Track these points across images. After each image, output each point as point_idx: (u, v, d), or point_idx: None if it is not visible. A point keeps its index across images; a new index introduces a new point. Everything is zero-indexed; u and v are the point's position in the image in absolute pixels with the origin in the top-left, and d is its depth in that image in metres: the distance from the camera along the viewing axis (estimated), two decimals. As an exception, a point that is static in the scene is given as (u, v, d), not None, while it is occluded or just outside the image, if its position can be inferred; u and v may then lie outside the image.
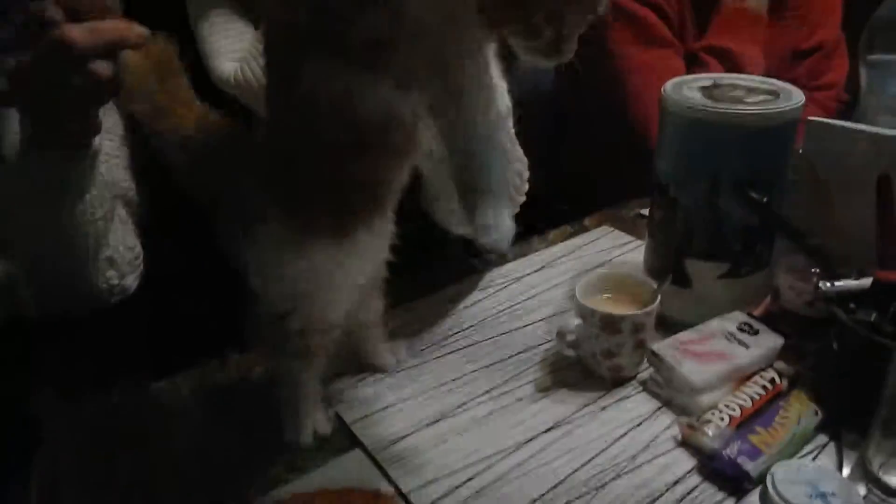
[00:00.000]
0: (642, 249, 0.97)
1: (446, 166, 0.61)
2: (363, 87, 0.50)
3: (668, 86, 0.76)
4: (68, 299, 0.75)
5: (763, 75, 1.15)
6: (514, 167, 0.79)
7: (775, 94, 0.73)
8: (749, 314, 0.75)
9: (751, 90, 0.74)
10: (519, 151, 0.79)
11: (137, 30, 0.52)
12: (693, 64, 1.14)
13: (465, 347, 0.81)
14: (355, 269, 0.61)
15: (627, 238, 1.04)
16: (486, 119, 0.55)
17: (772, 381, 0.69)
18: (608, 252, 1.01)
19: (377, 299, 0.72)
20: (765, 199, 0.69)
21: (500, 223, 0.56)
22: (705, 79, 0.78)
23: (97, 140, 0.62)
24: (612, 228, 1.08)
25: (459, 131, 0.56)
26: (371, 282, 0.66)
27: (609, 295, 0.77)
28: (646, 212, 1.12)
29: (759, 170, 0.71)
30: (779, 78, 1.25)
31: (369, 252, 0.62)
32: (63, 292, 0.74)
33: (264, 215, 0.58)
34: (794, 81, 1.27)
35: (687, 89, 0.75)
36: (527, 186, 0.82)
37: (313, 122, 0.52)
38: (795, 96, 0.72)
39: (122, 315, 0.96)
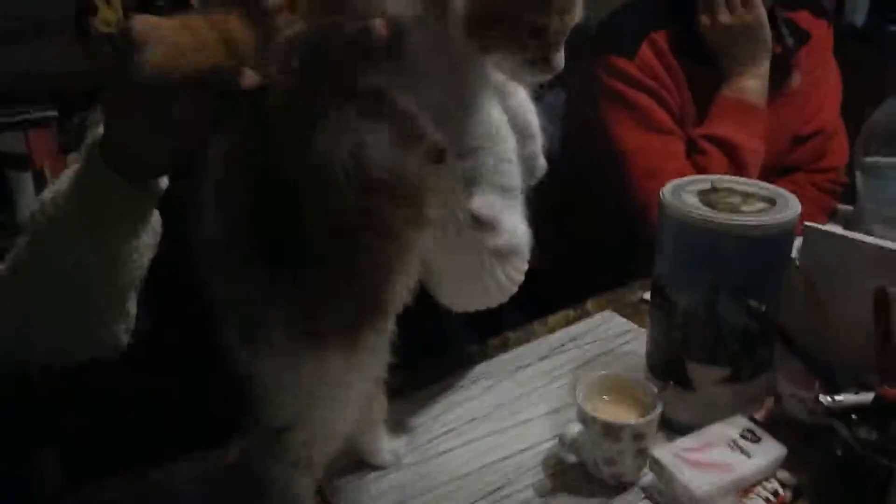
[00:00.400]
0: (644, 339, 0.98)
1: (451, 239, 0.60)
2: (376, 139, 0.50)
3: (667, 189, 0.78)
4: (71, 350, 0.73)
5: (763, 160, 1.18)
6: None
7: (772, 201, 0.74)
8: (751, 418, 0.75)
9: (748, 196, 0.75)
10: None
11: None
12: (693, 150, 1.16)
13: (464, 445, 0.80)
14: (366, 374, 0.60)
15: (630, 326, 1.04)
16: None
17: (775, 492, 0.68)
18: (610, 341, 1.01)
19: (381, 395, 0.72)
20: (763, 308, 0.70)
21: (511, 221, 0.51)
22: (703, 181, 0.80)
23: (164, 181, 0.62)
24: (615, 314, 1.08)
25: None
26: (377, 380, 0.66)
27: (610, 397, 0.77)
28: (647, 296, 1.13)
29: (757, 278, 0.72)
30: (779, 161, 1.29)
31: (380, 353, 0.62)
32: (68, 342, 0.72)
33: (266, 320, 0.56)
34: (794, 164, 1.31)
35: (685, 193, 0.76)
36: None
37: (324, 190, 0.51)
38: (792, 205, 0.73)
39: (122, 393, 0.96)
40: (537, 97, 1.70)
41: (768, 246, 0.71)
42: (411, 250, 0.58)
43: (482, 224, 0.49)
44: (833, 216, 1.31)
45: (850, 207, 1.18)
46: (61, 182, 0.78)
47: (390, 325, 0.62)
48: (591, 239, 1.35)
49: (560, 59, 0.52)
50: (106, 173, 0.59)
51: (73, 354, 0.74)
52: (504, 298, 0.88)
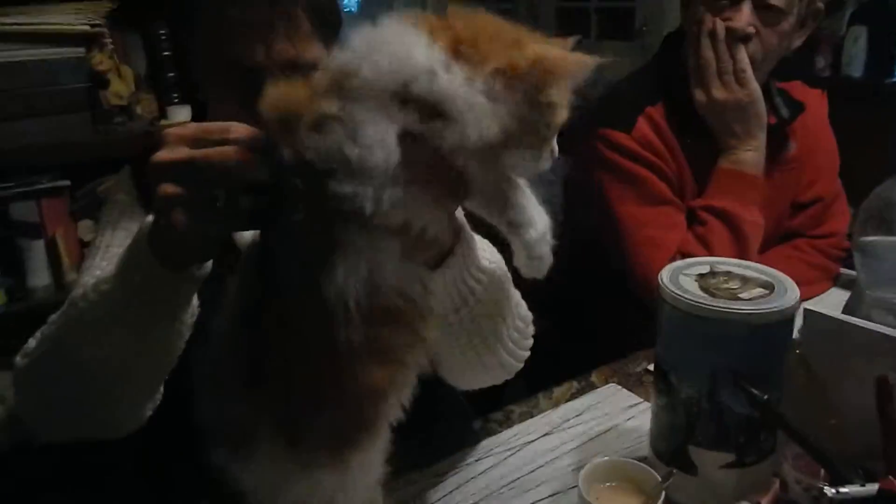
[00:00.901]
0: (649, 414, 0.97)
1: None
2: (387, 255, 0.52)
3: (665, 273, 0.78)
4: (95, 430, 0.75)
5: (764, 228, 1.18)
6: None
7: (770, 286, 0.74)
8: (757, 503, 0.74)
9: (746, 281, 0.76)
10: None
11: None
12: (694, 221, 1.17)
13: (469, 531, 0.80)
14: (360, 488, 0.59)
15: (635, 399, 1.04)
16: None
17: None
18: (615, 415, 1.00)
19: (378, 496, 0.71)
20: (765, 398, 0.69)
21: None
22: (701, 264, 0.81)
23: (208, 265, 0.64)
24: (620, 387, 1.08)
25: None
26: (373, 490, 0.65)
27: (614, 483, 0.76)
28: (652, 367, 1.13)
29: (758, 365, 0.72)
30: (780, 228, 1.30)
31: (373, 469, 0.61)
32: (94, 423, 0.74)
33: (255, 433, 0.56)
34: (795, 230, 1.31)
35: (683, 277, 0.77)
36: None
37: (330, 322, 0.52)
38: (791, 291, 0.73)
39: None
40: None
41: (768, 333, 0.71)
42: (408, 371, 0.59)
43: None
44: (836, 281, 1.31)
45: (853, 272, 1.18)
46: (90, 265, 0.80)
47: (384, 439, 0.61)
48: (593, 306, 1.36)
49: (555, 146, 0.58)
50: (152, 261, 0.61)
51: (98, 433, 0.75)
52: (510, 376, 0.89)
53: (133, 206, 0.87)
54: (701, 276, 0.78)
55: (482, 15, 0.55)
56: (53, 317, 0.74)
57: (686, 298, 0.72)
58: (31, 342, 0.75)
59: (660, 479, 0.74)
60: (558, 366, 1.24)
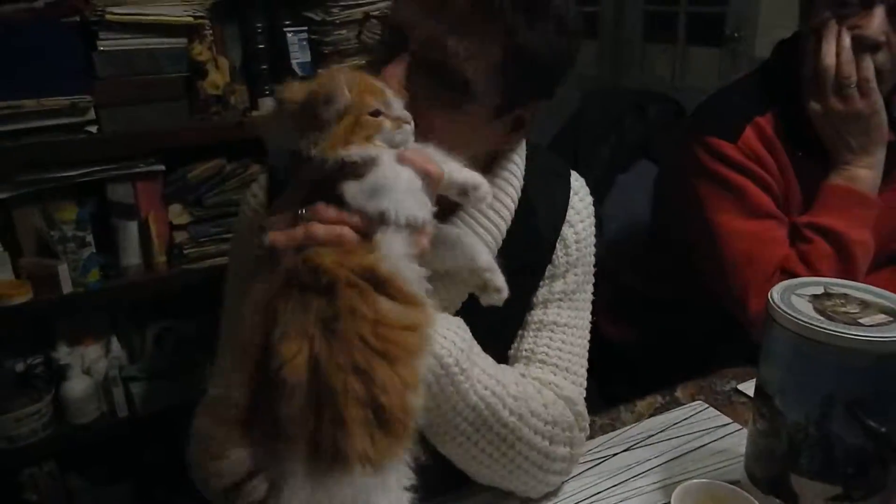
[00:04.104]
0: (740, 435, 0.93)
1: None
2: None
3: (776, 291, 0.75)
4: None
5: (873, 250, 1.11)
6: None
7: (892, 313, 0.70)
8: (864, 543, 0.70)
9: (865, 306, 0.72)
10: None
11: None
12: (797, 238, 1.11)
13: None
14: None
15: (724, 420, 1.00)
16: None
17: None
18: (703, 436, 0.97)
19: None
20: (882, 430, 0.65)
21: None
22: (815, 285, 0.76)
23: None
24: (707, 406, 1.04)
25: None
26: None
27: (708, 507, 0.73)
28: (742, 387, 1.09)
29: (877, 396, 0.67)
30: (886, 249, 1.22)
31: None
32: None
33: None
34: (903, 254, 1.23)
35: (795, 298, 0.73)
36: None
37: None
38: (916, 318, 0.69)
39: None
40: (623, 169, 1.65)
41: (891, 363, 0.66)
42: None
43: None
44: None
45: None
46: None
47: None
48: (680, 318, 1.31)
49: None
50: None
51: None
52: (552, 488, 0.86)
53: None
54: (815, 296, 0.74)
55: None
56: None
57: (800, 320, 0.69)
58: None
59: (759, 506, 0.70)
60: (640, 379, 1.21)
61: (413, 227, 0.60)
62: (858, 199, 1.07)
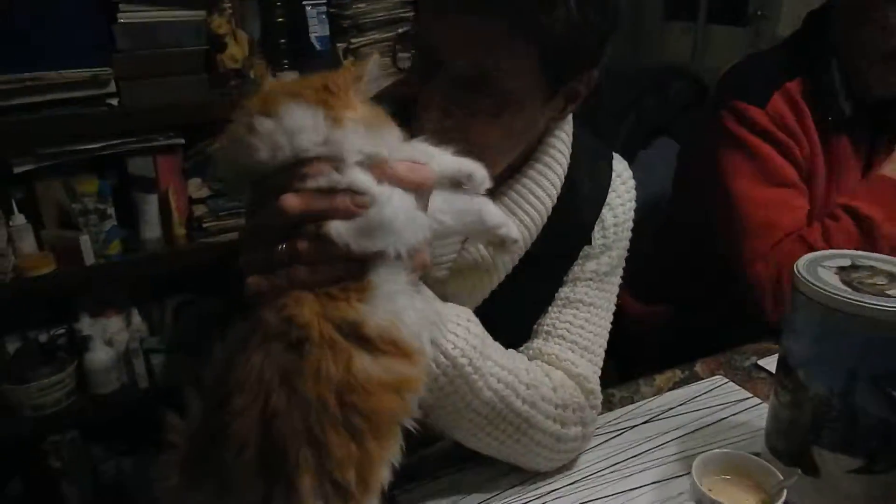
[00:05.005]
0: (760, 410, 0.93)
1: None
2: None
3: (802, 263, 0.74)
4: None
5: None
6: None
7: (921, 285, 0.69)
8: (885, 515, 0.70)
9: (893, 278, 0.71)
10: None
11: None
12: (826, 213, 1.10)
13: (570, 511, 0.79)
14: None
15: (744, 394, 0.99)
16: None
17: None
18: (723, 409, 0.96)
19: None
20: (909, 402, 0.65)
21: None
22: (841, 257, 0.76)
23: None
24: (727, 380, 1.03)
25: None
26: None
27: (728, 477, 0.73)
28: (763, 362, 1.08)
29: (903, 368, 0.67)
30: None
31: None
32: None
33: None
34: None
35: (822, 270, 0.73)
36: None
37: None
38: (945, 290, 0.68)
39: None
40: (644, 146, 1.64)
41: (917, 335, 0.66)
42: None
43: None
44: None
45: None
46: None
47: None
48: (700, 294, 1.30)
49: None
50: None
51: None
52: (565, 462, 0.85)
53: None
54: (842, 268, 0.73)
55: None
56: None
57: (827, 291, 0.68)
58: None
59: (781, 477, 0.70)
60: (660, 352, 1.21)
61: (413, 251, 0.54)
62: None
